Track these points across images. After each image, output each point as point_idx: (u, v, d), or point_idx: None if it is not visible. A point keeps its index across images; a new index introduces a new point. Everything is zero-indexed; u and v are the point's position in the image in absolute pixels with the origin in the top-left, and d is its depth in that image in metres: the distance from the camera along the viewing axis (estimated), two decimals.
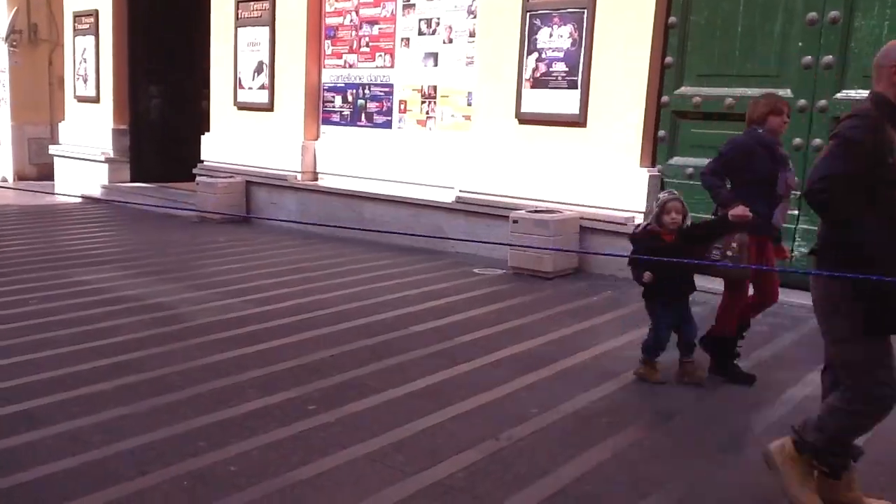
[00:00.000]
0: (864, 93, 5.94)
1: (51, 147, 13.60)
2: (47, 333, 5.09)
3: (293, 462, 3.35)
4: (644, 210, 7.00)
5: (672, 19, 6.96)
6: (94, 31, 12.26)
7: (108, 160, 12.14)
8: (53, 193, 12.43)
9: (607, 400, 4.19)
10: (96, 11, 12.21)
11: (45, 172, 14.45)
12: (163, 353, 4.78)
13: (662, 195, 4.43)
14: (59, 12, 13.91)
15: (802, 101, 6.37)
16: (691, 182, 6.96)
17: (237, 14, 10.27)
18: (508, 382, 4.38)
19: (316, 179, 9.72)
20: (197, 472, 3.24)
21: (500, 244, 7.27)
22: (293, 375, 4.43)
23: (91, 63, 12.43)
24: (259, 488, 3.11)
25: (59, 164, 13.31)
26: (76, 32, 12.70)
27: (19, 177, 15.08)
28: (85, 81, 12.66)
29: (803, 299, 6.23)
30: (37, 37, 14.93)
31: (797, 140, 6.40)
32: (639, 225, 4.28)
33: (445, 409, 3.97)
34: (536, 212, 7.18)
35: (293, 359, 4.71)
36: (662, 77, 7.06)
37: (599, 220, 7.15)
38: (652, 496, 3.14)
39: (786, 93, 6.43)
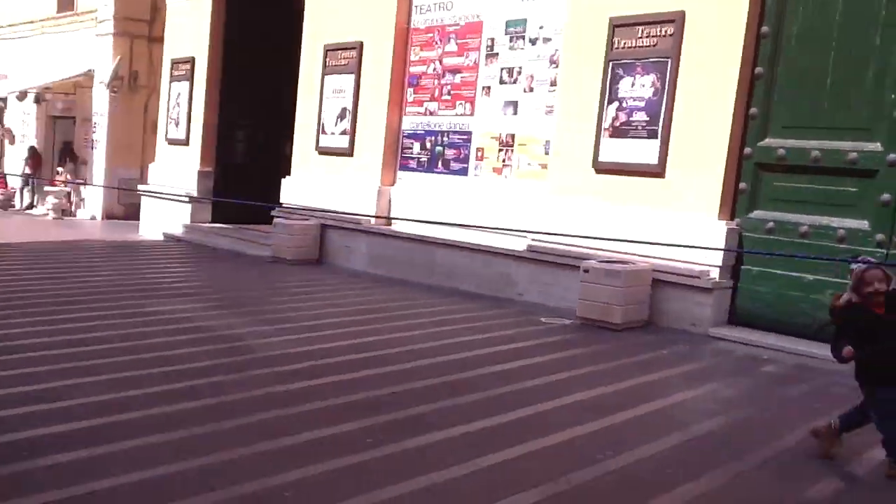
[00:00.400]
0: None
1: (139, 186, 14.13)
2: (123, 357, 5.17)
3: (346, 492, 3.25)
4: (720, 264, 6.77)
5: (759, 70, 6.80)
6: (190, 77, 12.80)
7: (191, 200, 12.53)
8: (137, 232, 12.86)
9: (676, 450, 3.97)
10: (193, 59, 12.76)
11: (132, 213, 15.02)
12: (230, 381, 4.79)
13: (856, 266, 3.74)
14: (158, 61, 14.60)
15: (893, 155, 6.09)
16: (771, 237, 6.71)
17: (325, 62, 10.57)
18: (573, 427, 4.21)
19: (390, 224, 9.78)
20: (251, 497, 3.18)
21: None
22: (354, 409, 4.36)
23: (184, 107, 12.95)
24: None
25: (145, 203, 13.80)
26: (172, 78, 13.28)
27: (107, 216, 15.72)
28: (177, 125, 13.18)
29: None
30: (136, 84, 15.70)
31: (885, 196, 6.12)
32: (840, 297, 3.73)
33: (506, 450, 3.83)
34: (608, 262, 7.02)
35: (355, 393, 4.65)
36: (746, 128, 6.88)
37: (673, 273, 6.93)
38: None
39: (875, 146, 6.19)
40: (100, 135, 15.65)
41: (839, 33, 6.38)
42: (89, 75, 15.97)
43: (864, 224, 6.25)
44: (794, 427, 4.40)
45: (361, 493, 3.25)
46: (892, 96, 6.12)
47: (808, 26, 6.54)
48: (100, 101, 15.70)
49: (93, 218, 15.78)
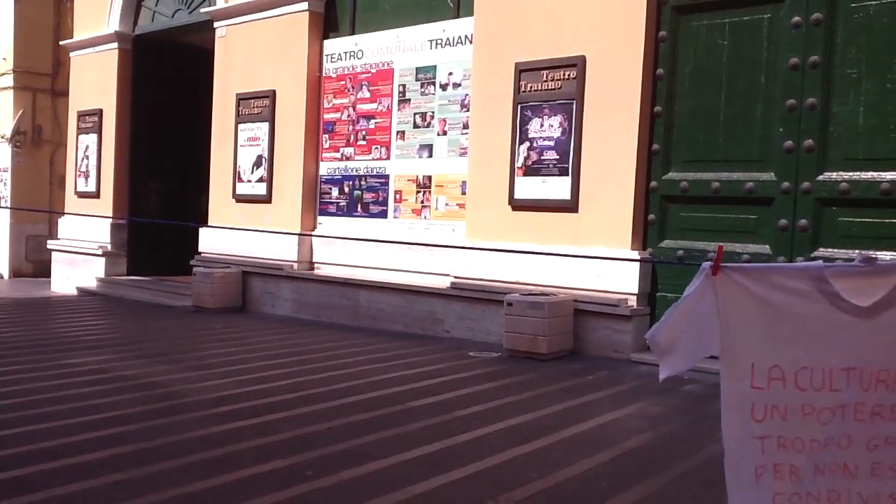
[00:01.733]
0: (846, 175, 6.24)
1: (48, 242, 13.75)
2: (42, 409, 5.06)
3: None
4: (637, 291, 7.10)
5: (657, 108, 7.25)
6: (98, 129, 12.63)
7: (105, 253, 12.27)
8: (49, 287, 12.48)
9: (607, 465, 4.16)
10: (100, 111, 12.61)
11: (42, 269, 14.57)
12: (157, 425, 4.74)
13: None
14: (63, 115, 14.35)
15: (786, 184, 6.57)
16: (682, 264, 7.11)
17: (238, 111, 10.63)
18: (506, 451, 4.36)
19: (312, 269, 9.82)
20: None
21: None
22: (289, 445, 4.40)
23: (93, 160, 12.74)
24: None
25: (55, 259, 13.42)
26: (80, 130, 13.07)
27: (15, 274, 15.20)
28: (86, 178, 12.93)
29: None
30: (40, 138, 15.35)
31: (782, 222, 6.57)
32: None
33: (443, 475, 3.94)
34: (531, 295, 7.26)
35: (289, 430, 4.69)
36: (650, 163, 7.30)
37: (593, 303, 7.22)
38: None
39: (769, 176, 6.66)
40: (3, 191, 15.19)
41: (727, 74, 6.88)
42: None
43: (765, 248, 6.68)
44: (717, 438, 4.66)
45: None
46: (780, 129, 6.62)
47: (699, 67, 7.03)
48: (2, 157, 15.26)
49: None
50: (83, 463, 4.02)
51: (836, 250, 6.37)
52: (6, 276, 15.16)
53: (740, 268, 2.10)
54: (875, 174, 6.19)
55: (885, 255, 5.89)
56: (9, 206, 14.96)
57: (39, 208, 14.76)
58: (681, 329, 2.13)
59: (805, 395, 2.17)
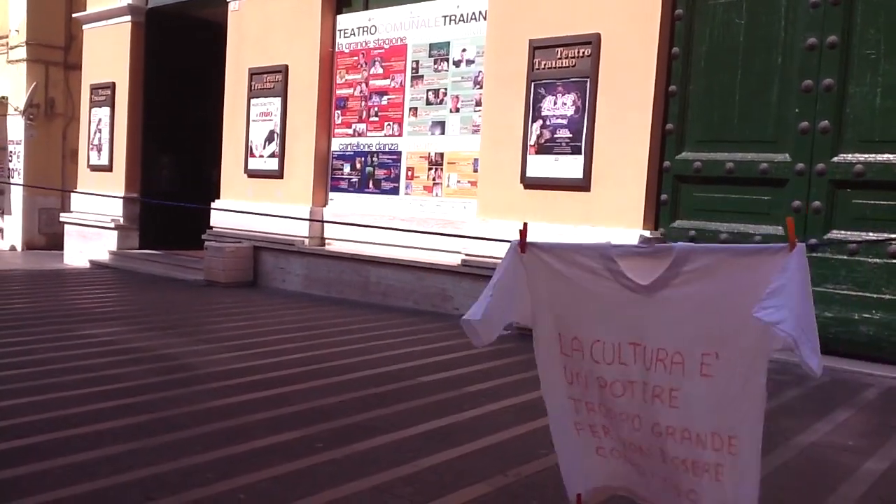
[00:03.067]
0: (861, 156, 6.20)
1: (61, 214, 13.81)
2: (53, 379, 5.12)
3: (301, 492, 3.34)
4: None
5: (672, 87, 7.20)
6: (111, 102, 12.64)
7: (117, 227, 12.33)
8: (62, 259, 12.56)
9: None
10: (113, 84, 12.61)
11: (55, 242, 14.66)
12: (169, 396, 4.79)
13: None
14: (76, 88, 14.37)
15: (801, 165, 6.53)
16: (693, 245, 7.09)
17: (250, 85, 10.61)
18: (516, 426, 4.39)
19: (323, 245, 9.85)
20: (205, 500, 3.23)
21: None
22: (300, 418, 4.44)
23: (105, 133, 12.76)
24: None
25: (68, 232, 13.49)
26: (92, 104, 13.08)
27: (28, 246, 15.30)
28: (98, 151, 12.97)
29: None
30: (53, 111, 15.38)
31: (796, 203, 6.54)
32: None
33: (453, 449, 3.97)
34: None
35: (300, 403, 4.73)
36: (664, 142, 7.26)
37: None
38: None
39: (784, 157, 6.62)
40: (17, 164, 15.25)
41: (744, 53, 6.83)
42: (2, 102, 15.56)
43: (779, 230, 6.64)
44: None
45: (316, 492, 3.34)
46: (796, 110, 6.57)
47: (715, 47, 6.97)
48: (15, 130, 15.31)
49: (12, 248, 15.31)
50: (96, 432, 4.07)
51: (849, 232, 6.34)
52: (19, 248, 15.26)
53: (544, 245, 2.25)
54: (891, 156, 6.15)
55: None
56: (21, 182, 15.02)
57: (51, 187, 14.82)
58: (494, 302, 2.26)
59: (599, 368, 2.26)
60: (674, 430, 2.15)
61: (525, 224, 2.35)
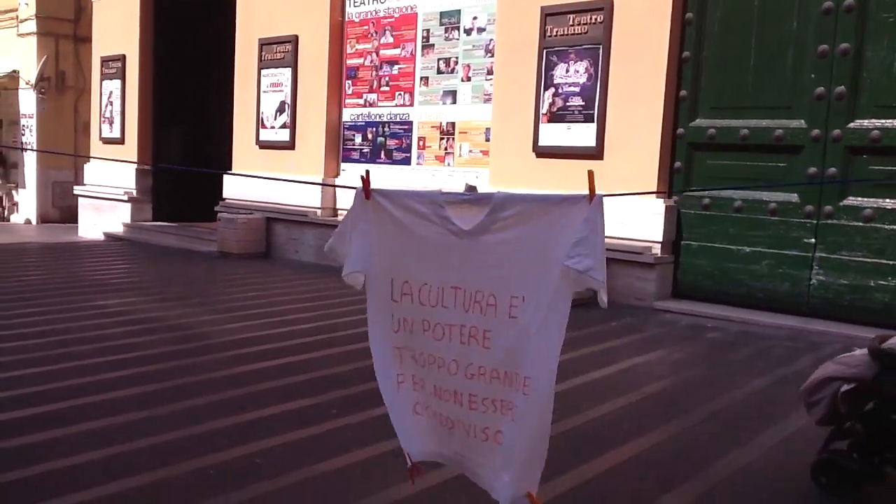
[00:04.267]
0: (877, 122, 6.12)
1: (75, 187, 13.87)
2: (69, 348, 5.16)
3: (316, 457, 3.37)
4: (661, 240, 7.05)
5: (686, 54, 7.11)
6: (121, 75, 12.62)
7: (131, 199, 12.37)
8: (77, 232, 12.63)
9: (629, 408, 4.19)
10: (123, 56, 12.58)
11: (68, 215, 14.73)
12: (183, 365, 4.82)
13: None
14: (86, 61, 14.35)
15: (816, 132, 6.45)
16: (707, 212, 7.04)
17: (260, 56, 10.56)
18: None
19: (336, 215, 9.85)
20: (221, 465, 3.26)
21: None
22: (313, 385, 4.46)
23: (117, 106, 12.76)
24: (283, 479, 3.13)
25: (82, 204, 13.55)
26: (103, 76, 13.06)
27: (42, 220, 15.38)
28: (110, 124, 12.97)
29: (821, 326, 6.28)
30: (64, 84, 15.37)
31: (812, 170, 6.47)
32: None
33: None
34: None
35: (313, 371, 4.76)
36: (677, 110, 7.19)
37: (616, 251, 7.19)
38: (674, 491, 3.13)
39: (799, 123, 6.54)
40: (29, 137, 15.29)
41: (758, 18, 6.72)
42: (14, 76, 15.56)
43: (793, 197, 6.60)
44: (740, 384, 4.68)
45: (331, 457, 3.37)
46: (812, 76, 6.48)
47: (730, 12, 6.87)
48: (27, 103, 15.33)
49: (27, 221, 15.41)
50: (112, 400, 4.11)
51: (865, 199, 6.28)
52: (34, 221, 15.35)
53: (385, 192, 2.35)
54: None
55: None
56: (35, 157, 15.07)
57: (66, 152, 14.87)
58: (348, 242, 2.37)
59: (425, 311, 2.36)
60: (485, 370, 2.27)
61: (367, 171, 2.46)
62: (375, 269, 2.42)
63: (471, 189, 1.95)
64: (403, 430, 2.46)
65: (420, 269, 2.37)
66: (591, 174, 2.08)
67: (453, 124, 8.90)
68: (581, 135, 7.51)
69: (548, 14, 7.70)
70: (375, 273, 2.43)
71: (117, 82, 12.74)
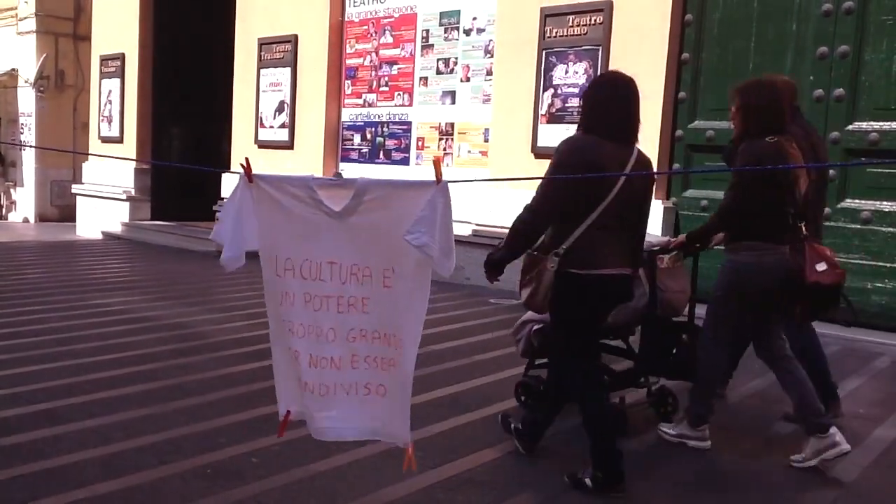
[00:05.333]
0: (876, 125, 6.13)
1: (73, 186, 13.86)
2: (68, 347, 5.17)
3: (313, 456, 3.38)
4: (658, 242, 7.04)
5: (685, 55, 7.12)
6: (121, 73, 12.61)
7: (129, 198, 12.35)
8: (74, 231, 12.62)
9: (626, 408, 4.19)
10: (123, 55, 12.57)
11: (67, 214, 14.71)
12: (181, 364, 4.83)
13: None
14: (85, 60, 14.34)
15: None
16: (705, 214, 7.04)
17: (260, 56, 10.56)
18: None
19: None
20: (218, 464, 3.27)
21: None
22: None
23: (116, 105, 12.75)
24: (280, 478, 3.14)
25: (80, 203, 13.54)
26: (102, 75, 13.06)
27: (41, 218, 15.36)
28: (109, 123, 12.97)
29: (817, 328, 6.27)
30: (63, 83, 15.36)
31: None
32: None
33: (463, 415, 4.00)
34: None
35: None
36: (676, 111, 7.20)
37: None
38: (681, 485, 3.14)
39: None
40: (28, 136, 15.28)
41: (758, 20, 6.73)
42: (13, 75, 15.55)
43: None
44: (737, 386, 4.68)
45: (328, 456, 3.38)
46: (811, 78, 6.49)
47: (729, 14, 6.88)
48: (26, 102, 15.32)
49: (25, 220, 15.39)
50: (110, 398, 4.11)
51: (863, 201, 6.29)
52: (32, 220, 15.33)
53: (265, 177, 2.62)
54: None
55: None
56: (34, 156, 15.05)
57: (65, 149, 14.85)
58: (232, 226, 2.63)
59: (306, 284, 2.66)
60: (366, 332, 2.63)
61: (247, 158, 2.76)
62: (263, 248, 2.72)
63: (337, 175, 2.35)
64: (286, 389, 2.84)
65: (301, 246, 2.66)
66: (436, 162, 2.42)
67: (452, 125, 8.91)
68: None
69: (547, 15, 7.71)
70: (263, 252, 2.72)
71: (116, 81, 12.73)
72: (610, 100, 3.29)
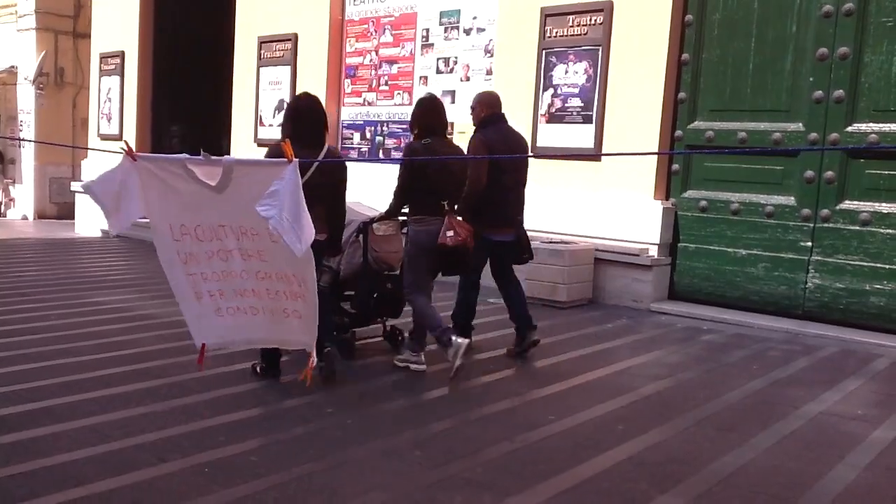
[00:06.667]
0: (875, 126, 6.14)
1: (72, 183, 13.84)
2: (67, 344, 5.17)
3: (311, 454, 3.37)
4: (658, 242, 7.07)
5: (685, 56, 7.12)
6: (120, 71, 12.60)
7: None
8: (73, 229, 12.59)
9: (624, 410, 4.20)
10: (122, 53, 12.57)
11: (65, 212, 14.70)
12: (180, 362, 4.82)
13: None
14: (85, 58, 14.33)
15: (814, 135, 6.47)
16: (705, 214, 7.05)
17: (260, 54, 10.56)
18: (524, 394, 4.41)
19: None
20: (217, 462, 3.27)
21: None
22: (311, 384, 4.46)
23: (115, 102, 12.74)
24: (279, 476, 3.14)
25: (79, 201, 13.52)
26: (102, 73, 13.05)
27: (39, 216, 15.35)
28: (109, 120, 12.96)
29: (817, 329, 6.30)
30: (63, 80, 15.35)
31: (809, 173, 6.49)
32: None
33: (462, 415, 3.99)
34: (551, 243, 7.25)
35: None
36: (676, 112, 7.20)
37: (613, 252, 7.20)
38: (670, 492, 3.14)
39: (797, 127, 6.56)
40: (28, 133, 15.26)
41: (758, 21, 6.73)
42: (12, 72, 15.53)
43: (790, 200, 6.61)
44: (736, 387, 4.69)
45: (326, 455, 3.38)
46: (810, 79, 6.49)
47: (729, 14, 6.88)
48: (25, 99, 15.31)
49: (24, 218, 15.38)
50: (109, 396, 4.11)
51: (862, 203, 6.29)
52: (31, 217, 15.32)
53: (147, 157, 3.27)
54: None
55: None
56: (33, 154, 15.02)
57: (65, 144, 14.83)
58: (114, 195, 3.18)
59: (204, 245, 3.29)
60: (269, 273, 3.37)
61: (126, 142, 3.40)
62: (153, 217, 3.23)
63: (205, 155, 2.72)
64: (199, 329, 3.60)
65: (190, 214, 3.21)
66: (286, 145, 3.04)
67: (452, 124, 8.88)
68: (580, 136, 7.51)
69: (548, 15, 7.71)
70: (154, 222, 3.25)
71: (116, 79, 12.72)
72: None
